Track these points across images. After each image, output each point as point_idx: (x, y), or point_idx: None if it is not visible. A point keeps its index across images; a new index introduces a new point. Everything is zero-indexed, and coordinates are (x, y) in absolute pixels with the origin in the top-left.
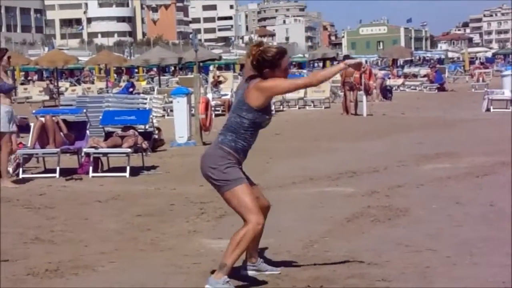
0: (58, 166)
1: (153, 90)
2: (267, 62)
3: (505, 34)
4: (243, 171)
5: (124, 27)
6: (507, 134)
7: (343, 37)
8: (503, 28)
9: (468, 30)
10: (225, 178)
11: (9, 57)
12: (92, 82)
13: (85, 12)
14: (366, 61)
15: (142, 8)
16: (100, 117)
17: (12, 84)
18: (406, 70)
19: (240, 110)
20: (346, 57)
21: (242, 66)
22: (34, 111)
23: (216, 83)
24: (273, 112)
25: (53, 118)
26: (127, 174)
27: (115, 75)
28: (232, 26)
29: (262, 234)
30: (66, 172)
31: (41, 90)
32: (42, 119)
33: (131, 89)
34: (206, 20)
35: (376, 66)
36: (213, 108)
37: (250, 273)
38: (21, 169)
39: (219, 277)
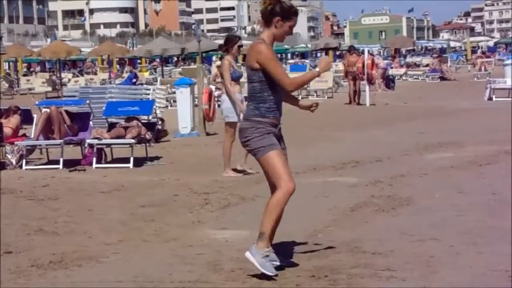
0: (61, 157)
1: (156, 81)
2: (283, 11)
3: (506, 23)
4: (282, 138)
5: (127, 18)
6: (510, 123)
7: (345, 27)
8: (505, 17)
9: (469, 20)
10: (257, 146)
11: (239, 46)
12: (95, 73)
13: (87, 3)
14: (368, 51)
15: None
16: (103, 108)
17: (241, 72)
18: (409, 59)
19: (248, 75)
20: (351, 48)
21: (244, 56)
22: (37, 103)
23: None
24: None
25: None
26: (130, 165)
27: (118, 66)
28: (234, 16)
29: (280, 220)
30: (70, 163)
31: (44, 81)
32: (47, 110)
33: (134, 80)
34: (209, 10)
35: (380, 56)
36: (216, 99)
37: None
38: (24, 161)
39: (260, 247)
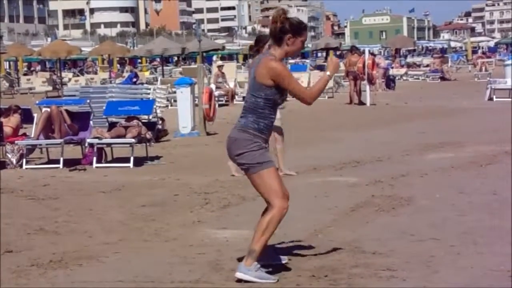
0: (61, 157)
1: (157, 81)
2: (293, 28)
3: (507, 23)
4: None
5: (127, 17)
6: (510, 124)
7: (346, 27)
8: (505, 17)
9: (470, 20)
10: (253, 162)
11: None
12: (95, 73)
13: (87, 3)
14: (369, 51)
15: None
16: (104, 108)
17: None
18: (409, 59)
19: (253, 90)
20: (353, 47)
21: (245, 56)
22: (37, 102)
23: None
24: None
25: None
26: (131, 164)
27: (118, 65)
28: (235, 16)
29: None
30: (70, 163)
31: (44, 81)
32: (48, 109)
33: (134, 80)
34: (209, 10)
35: (381, 56)
36: (216, 98)
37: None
38: (24, 160)
39: (249, 264)
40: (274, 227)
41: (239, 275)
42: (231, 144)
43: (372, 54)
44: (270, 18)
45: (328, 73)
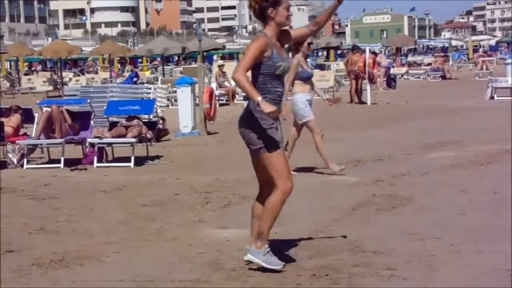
0: (62, 157)
1: (157, 80)
2: (270, 2)
3: (508, 22)
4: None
5: (128, 17)
6: (511, 122)
7: (346, 26)
8: (507, 16)
9: (471, 18)
10: (261, 141)
11: (309, 43)
12: (96, 72)
13: (88, 2)
14: (370, 50)
15: None
16: (104, 107)
17: (311, 72)
18: (410, 58)
19: (252, 69)
20: (354, 47)
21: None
22: (38, 102)
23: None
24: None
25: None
26: (131, 164)
27: (119, 65)
28: (235, 15)
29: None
30: (71, 163)
31: (45, 80)
32: (48, 109)
33: (135, 79)
34: (210, 9)
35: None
36: (217, 98)
37: (251, 257)
38: (25, 160)
39: (259, 247)
40: (280, 207)
41: (248, 257)
42: (241, 122)
43: (373, 53)
44: (247, 4)
45: (259, 99)
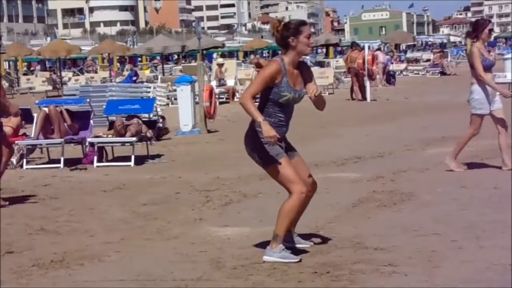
0: (62, 157)
1: (157, 79)
2: (290, 30)
3: (506, 17)
4: (287, 142)
5: (127, 16)
6: (510, 117)
7: (345, 23)
8: (504, 11)
9: (469, 14)
10: (265, 156)
11: (490, 30)
12: (95, 72)
13: (87, 1)
14: (369, 47)
15: None
16: (104, 107)
17: (492, 60)
18: (409, 55)
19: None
20: (353, 43)
21: (245, 53)
22: (37, 102)
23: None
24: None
25: (57, 108)
26: (132, 163)
27: (118, 64)
28: (235, 13)
29: (305, 208)
30: (71, 162)
31: (44, 80)
32: (46, 109)
33: (134, 78)
34: (209, 7)
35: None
36: (217, 96)
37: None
38: (25, 160)
39: (274, 247)
40: (294, 212)
41: (265, 258)
42: (246, 140)
43: (378, 49)
44: (269, 29)
45: (261, 120)
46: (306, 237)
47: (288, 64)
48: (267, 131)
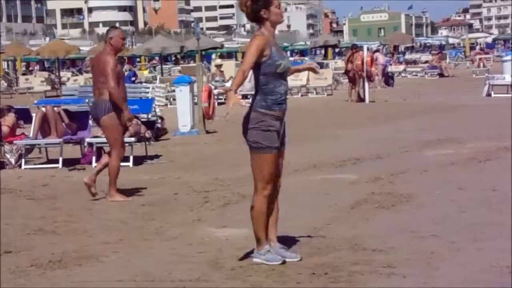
0: (61, 157)
1: (156, 79)
2: (260, 4)
3: (504, 19)
4: (284, 131)
5: (126, 16)
6: (509, 119)
7: (344, 24)
8: (503, 13)
9: (468, 16)
10: (257, 140)
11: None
12: None
13: (86, 2)
14: (368, 48)
15: None
16: None
17: None
18: (408, 56)
19: (254, 70)
20: (354, 46)
21: (244, 54)
22: (35, 102)
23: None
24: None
25: (54, 108)
26: (130, 163)
27: None
28: (233, 14)
29: (277, 218)
30: (69, 163)
31: (43, 80)
32: (43, 109)
33: (133, 78)
34: (208, 8)
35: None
36: (215, 97)
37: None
38: (23, 160)
39: (260, 249)
40: (264, 211)
41: (254, 259)
42: (244, 121)
43: (376, 50)
44: (239, 8)
45: (232, 89)
46: (305, 238)
47: (269, 36)
48: (231, 100)
